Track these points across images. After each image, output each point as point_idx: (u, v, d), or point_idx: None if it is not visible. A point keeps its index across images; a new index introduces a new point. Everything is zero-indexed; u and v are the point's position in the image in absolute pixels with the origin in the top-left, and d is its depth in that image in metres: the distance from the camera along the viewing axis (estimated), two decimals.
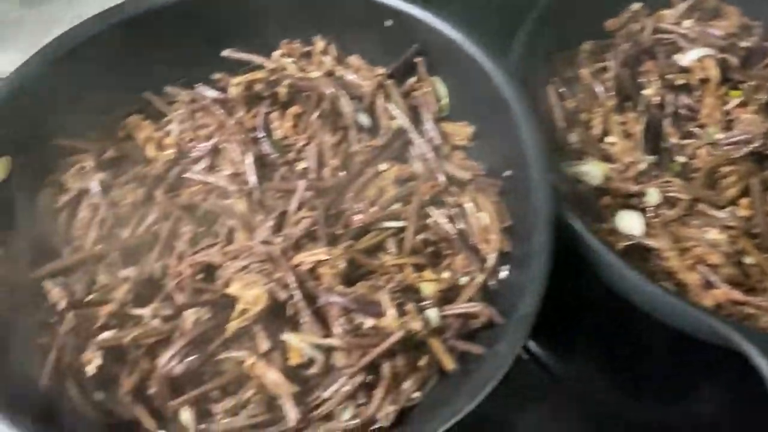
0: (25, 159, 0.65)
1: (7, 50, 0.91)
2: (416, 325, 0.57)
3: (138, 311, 0.60)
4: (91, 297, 0.62)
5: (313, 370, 0.60)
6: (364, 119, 0.70)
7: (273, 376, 0.57)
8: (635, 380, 0.72)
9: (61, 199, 0.66)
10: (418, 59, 0.72)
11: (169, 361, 0.57)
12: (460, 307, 0.61)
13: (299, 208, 0.65)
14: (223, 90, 0.72)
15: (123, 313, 0.60)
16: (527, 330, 0.53)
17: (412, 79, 0.73)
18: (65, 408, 0.56)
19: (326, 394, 0.59)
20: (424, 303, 0.60)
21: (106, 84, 0.70)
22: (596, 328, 0.74)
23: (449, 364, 0.58)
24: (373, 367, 0.58)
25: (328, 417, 0.59)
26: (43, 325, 0.60)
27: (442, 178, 0.68)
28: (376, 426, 0.59)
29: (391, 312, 0.57)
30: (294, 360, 0.59)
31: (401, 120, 0.71)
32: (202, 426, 0.58)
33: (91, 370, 0.58)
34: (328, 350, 0.60)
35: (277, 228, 0.65)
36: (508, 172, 0.67)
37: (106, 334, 0.59)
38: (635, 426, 0.69)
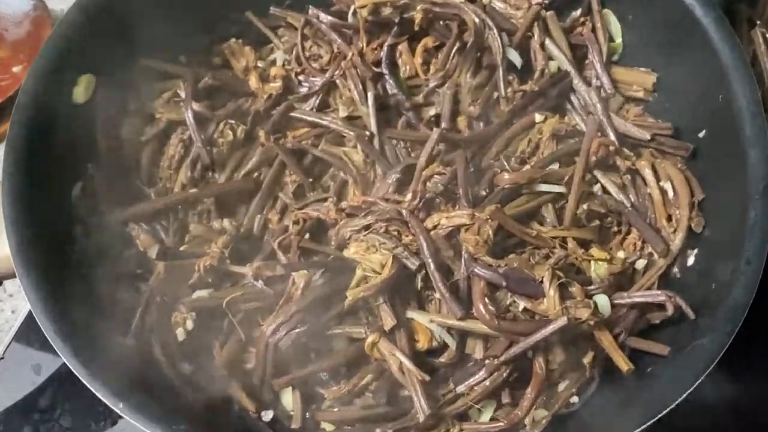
0: (109, 80, 0.62)
1: None
2: (583, 312, 0.53)
3: (238, 269, 0.59)
4: (183, 248, 0.60)
5: (443, 358, 0.57)
6: (516, 58, 0.66)
7: (400, 360, 0.54)
8: None
9: (149, 131, 0.64)
10: None
11: (275, 332, 0.55)
12: (638, 296, 0.57)
13: (430, 162, 0.61)
14: (340, 16, 0.68)
15: (220, 269, 0.58)
16: (737, 324, 0.49)
17: (577, 12, 0.69)
18: (153, 378, 0.54)
19: (461, 389, 0.56)
20: (590, 287, 0.56)
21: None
22: None
23: (625, 364, 0.54)
24: (520, 361, 0.55)
25: (463, 417, 0.57)
26: (128, 276, 0.58)
27: (613, 137, 0.63)
28: None
29: (552, 293, 0.53)
30: (422, 344, 0.56)
31: (562, 61, 0.67)
32: (307, 413, 0.56)
33: (180, 334, 0.57)
34: (463, 335, 0.58)
35: (401, 184, 0.62)
36: (702, 133, 0.62)
37: (200, 293, 0.58)
38: None
